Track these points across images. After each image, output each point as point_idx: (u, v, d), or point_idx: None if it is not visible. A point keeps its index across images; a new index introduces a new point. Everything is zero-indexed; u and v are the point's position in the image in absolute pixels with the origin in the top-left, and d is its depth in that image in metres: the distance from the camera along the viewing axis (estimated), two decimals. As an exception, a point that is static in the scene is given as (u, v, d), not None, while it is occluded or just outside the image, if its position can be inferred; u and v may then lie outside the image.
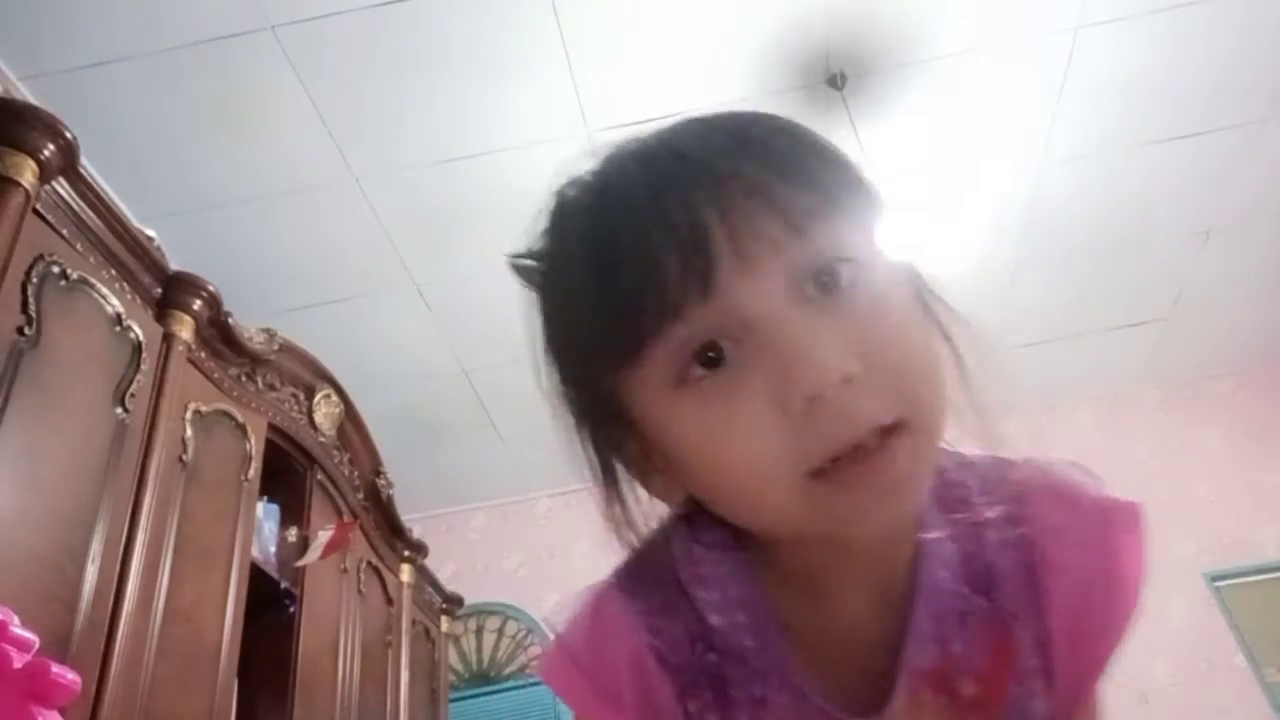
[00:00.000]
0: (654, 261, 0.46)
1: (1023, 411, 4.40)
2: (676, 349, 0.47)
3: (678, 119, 0.52)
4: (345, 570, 2.57)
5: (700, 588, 0.58)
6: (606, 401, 0.52)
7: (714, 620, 0.57)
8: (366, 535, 2.83)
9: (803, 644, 0.57)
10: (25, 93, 2.45)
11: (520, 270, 0.56)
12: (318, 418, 2.52)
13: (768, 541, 0.56)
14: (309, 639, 2.27)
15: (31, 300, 1.44)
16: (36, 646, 1.17)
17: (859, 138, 2.94)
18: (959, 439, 0.57)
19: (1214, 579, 3.91)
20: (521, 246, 0.55)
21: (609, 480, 0.56)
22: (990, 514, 0.57)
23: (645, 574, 0.59)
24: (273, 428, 2.27)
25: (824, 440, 0.45)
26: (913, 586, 0.56)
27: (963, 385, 0.54)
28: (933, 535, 0.56)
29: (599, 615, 0.60)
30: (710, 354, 0.47)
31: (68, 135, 1.53)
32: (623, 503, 0.56)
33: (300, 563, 2.26)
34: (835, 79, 2.81)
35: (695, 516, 0.57)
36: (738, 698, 0.57)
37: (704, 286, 0.46)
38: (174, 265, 1.90)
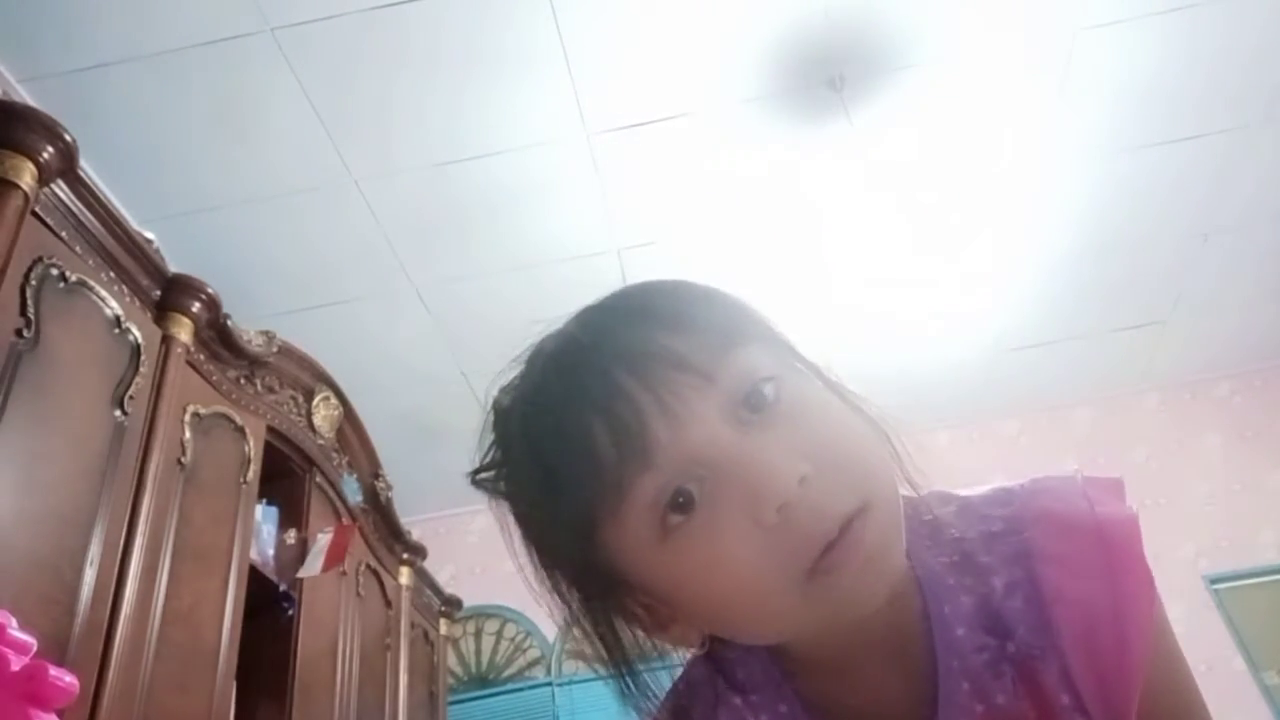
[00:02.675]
0: (591, 450, 0.51)
1: (1022, 413, 4.41)
2: (648, 508, 0.51)
3: (572, 312, 0.58)
4: (344, 573, 2.57)
5: (739, 694, 0.62)
6: (599, 575, 0.55)
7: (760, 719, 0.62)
8: (365, 538, 2.83)
9: None
10: (24, 95, 2.45)
11: (481, 484, 0.60)
12: (316, 420, 2.52)
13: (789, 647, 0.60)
14: (307, 642, 2.26)
15: (30, 302, 1.44)
16: (34, 649, 1.17)
17: (857, 140, 2.95)
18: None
19: (1213, 581, 3.91)
20: (473, 461, 0.60)
21: (616, 652, 0.58)
22: (991, 559, 0.59)
23: (683, 706, 0.64)
24: (271, 430, 2.27)
25: (805, 540, 0.49)
26: (933, 652, 0.58)
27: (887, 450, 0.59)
28: (941, 595, 0.59)
29: None
30: (680, 499, 0.51)
31: (67, 137, 1.53)
32: (633, 673, 0.59)
33: (301, 574, 2.25)
34: (834, 81, 2.81)
35: (717, 650, 0.62)
36: None
37: (645, 455, 0.50)
38: (173, 267, 1.90)
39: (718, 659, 0.63)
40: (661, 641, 0.59)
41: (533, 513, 0.57)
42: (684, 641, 0.59)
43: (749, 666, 0.63)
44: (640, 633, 0.59)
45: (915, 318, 3.78)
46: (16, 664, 1.10)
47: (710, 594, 0.52)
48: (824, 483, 0.50)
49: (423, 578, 3.35)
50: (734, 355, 0.53)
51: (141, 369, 1.72)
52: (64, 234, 1.59)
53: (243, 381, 2.17)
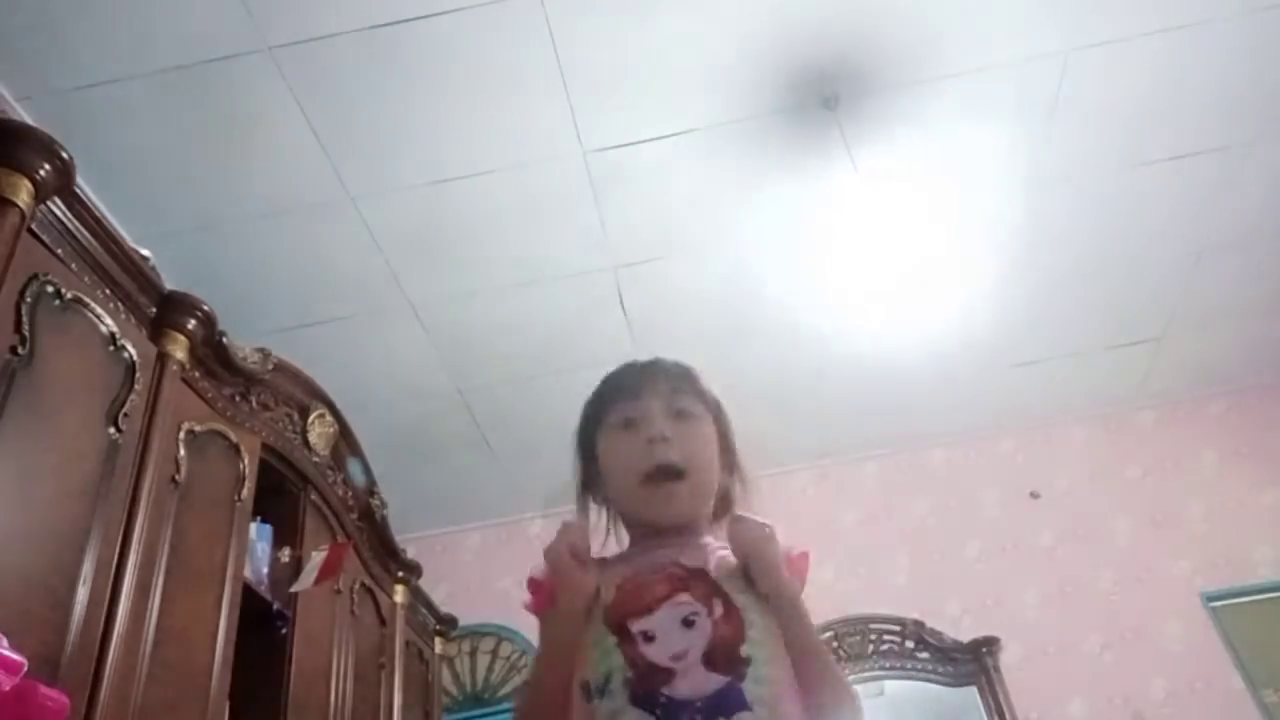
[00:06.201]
0: (623, 388, 1.15)
1: (1017, 431, 4.41)
2: (619, 415, 1.12)
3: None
4: (338, 591, 2.56)
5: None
6: (589, 452, 1.17)
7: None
8: (360, 556, 2.81)
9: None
10: (21, 113, 2.45)
11: (584, 409, 1.19)
12: (312, 437, 2.51)
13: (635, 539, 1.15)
14: (301, 660, 2.25)
15: (25, 319, 1.44)
16: (25, 669, 1.16)
17: (852, 158, 2.96)
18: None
19: (1210, 599, 3.90)
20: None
21: (583, 495, 1.19)
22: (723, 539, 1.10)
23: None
24: (266, 448, 2.26)
25: (648, 458, 1.07)
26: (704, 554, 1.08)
27: (742, 487, 1.18)
28: (710, 540, 1.10)
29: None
30: (625, 424, 1.11)
31: (64, 155, 1.53)
32: (586, 508, 1.18)
33: (295, 588, 2.24)
34: (829, 100, 2.83)
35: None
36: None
37: (636, 397, 1.12)
38: (169, 285, 1.90)
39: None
40: (584, 500, 1.17)
41: (587, 410, 1.18)
42: (590, 497, 1.17)
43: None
44: (582, 488, 1.18)
45: (912, 333, 3.79)
46: (6, 684, 1.09)
47: (611, 465, 1.12)
48: (673, 447, 1.07)
49: (418, 596, 3.34)
50: (686, 397, 1.13)
51: (136, 386, 1.72)
52: (60, 251, 1.59)
53: (238, 399, 2.17)
